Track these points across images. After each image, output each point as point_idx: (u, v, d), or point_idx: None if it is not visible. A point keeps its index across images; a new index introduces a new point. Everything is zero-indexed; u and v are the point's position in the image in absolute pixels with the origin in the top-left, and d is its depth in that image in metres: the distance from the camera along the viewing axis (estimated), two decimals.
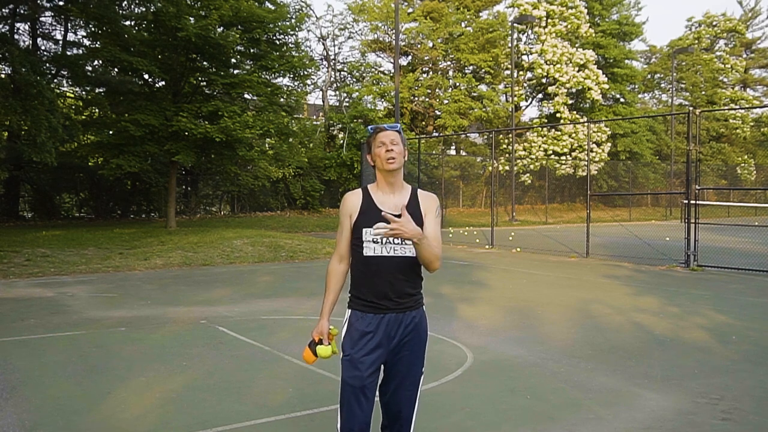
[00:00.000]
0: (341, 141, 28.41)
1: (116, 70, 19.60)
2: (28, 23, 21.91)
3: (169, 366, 5.38)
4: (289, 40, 20.39)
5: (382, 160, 2.75)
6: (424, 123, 34.11)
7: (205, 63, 18.85)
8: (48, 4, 20.47)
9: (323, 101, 31.92)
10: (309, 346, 2.83)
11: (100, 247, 14.03)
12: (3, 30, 19.11)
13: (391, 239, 2.71)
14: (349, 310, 2.81)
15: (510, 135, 29.85)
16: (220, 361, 5.57)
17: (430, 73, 34.21)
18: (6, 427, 4.00)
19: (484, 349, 5.98)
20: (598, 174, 33.98)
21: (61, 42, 22.79)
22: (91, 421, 4.13)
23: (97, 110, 21.44)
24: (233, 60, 19.38)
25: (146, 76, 19.00)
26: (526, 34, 35.38)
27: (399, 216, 2.58)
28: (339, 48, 45.96)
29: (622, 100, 37.33)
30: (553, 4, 33.16)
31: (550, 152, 32.20)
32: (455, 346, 6.08)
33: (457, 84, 32.97)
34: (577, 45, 34.07)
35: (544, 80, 33.61)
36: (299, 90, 22.38)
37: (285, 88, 20.91)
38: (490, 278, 10.98)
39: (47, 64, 19.77)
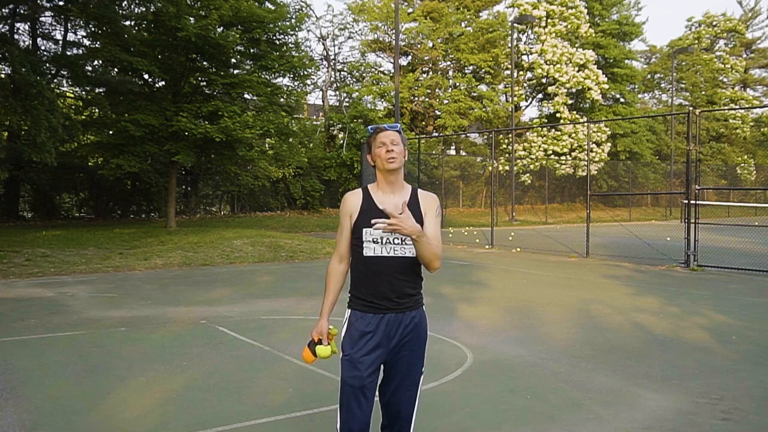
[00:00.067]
0: (341, 141, 28.41)
1: (116, 70, 19.60)
2: (28, 23, 21.92)
3: (169, 366, 5.39)
4: (289, 40, 20.40)
5: (382, 160, 2.75)
6: (424, 123, 34.11)
7: (205, 63, 18.85)
8: (48, 4, 20.47)
9: (323, 101, 31.93)
10: (308, 346, 2.83)
11: (100, 247, 14.04)
12: (3, 30, 19.11)
13: (390, 239, 2.71)
14: (349, 310, 2.81)
15: (510, 135, 29.85)
16: (220, 361, 5.57)
17: (430, 73, 34.21)
18: (6, 427, 4.00)
19: (484, 349, 5.98)
20: (598, 174, 33.98)
21: (61, 42, 22.80)
22: (91, 421, 4.14)
23: (97, 110, 21.45)
24: (233, 60, 19.38)
25: (146, 76, 19.00)
26: (526, 34, 35.39)
27: (400, 212, 2.58)
28: (339, 48, 46.03)
29: (622, 100, 37.33)
30: (553, 4, 33.16)
31: (550, 152, 32.21)
32: (455, 346, 6.08)
33: (457, 84, 32.97)
34: (577, 45, 34.07)
35: (544, 80, 33.61)
36: (299, 90, 22.38)
37: (285, 88, 20.92)
38: (490, 278, 10.98)
39: (47, 64, 19.77)
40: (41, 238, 15.17)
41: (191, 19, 17.06)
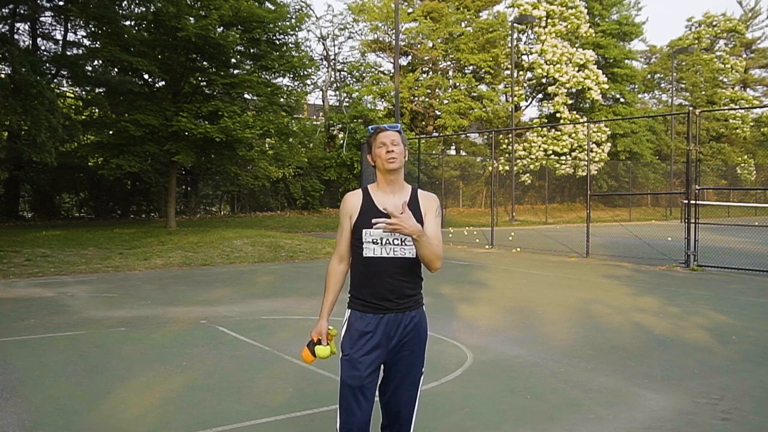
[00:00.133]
0: (341, 141, 28.41)
1: (116, 70, 19.60)
2: (28, 23, 21.92)
3: (169, 366, 5.39)
4: (289, 40, 20.40)
5: (382, 161, 2.75)
6: (424, 123, 34.11)
7: (205, 63, 18.85)
8: (48, 4, 20.47)
9: (323, 101, 31.93)
10: (307, 346, 2.84)
11: (100, 247, 14.04)
12: (3, 30, 19.11)
13: (390, 240, 2.71)
14: (349, 310, 2.81)
15: (510, 135, 29.85)
16: (220, 361, 5.57)
17: (430, 73, 34.21)
18: (6, 427, 4.00)
19: (484, 349, 5.98)
20: (598, 174, 33.98)
21: (61, 42, 22.80)
22: (91, 421, 4.14)
23: (97, 110, 21.45)
24: (233, 60, 19.38)
25: (146, 76, 19.00)
26: (526, 34, 35.39)
27: (400, 212, 2.58)
28: (339, 48, 46.00)
29: (622, 100, 37.33)
30: (553, 4, 33.16)
31: (550, 152, 32.21)
32: (455, 346, 6.08)
33: (457, 84, 32.97)
34: (577, 45, 34.07)
35: (544, 80, 33.61)
36: (299, 90, 22.38)
37: (285, 88, 20.92)
38: (490, 278, 10.98)
39: (47, 64, 19.77)
40: (41, 238, 15.17)
41: (191, 19, 17.06)
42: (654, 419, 4.20)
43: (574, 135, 32.10)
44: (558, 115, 32.25)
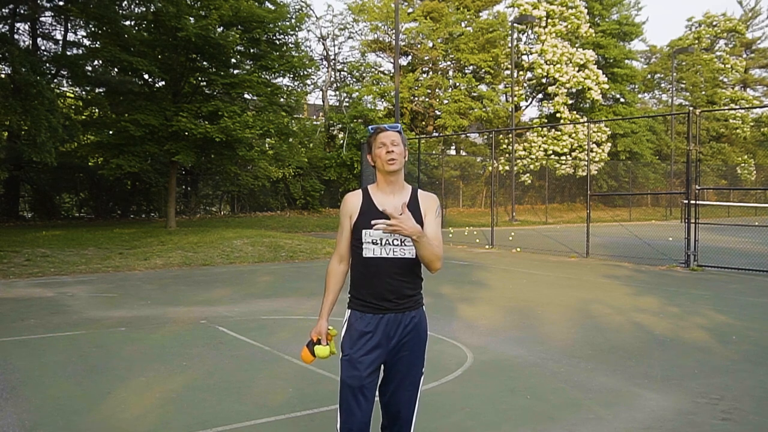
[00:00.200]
0: (341, 141, 28.41)
1: (116, 70, 19.61)
2: (28, 23, 21.92)
3: (169, 366, 5.39)
4: (289, 40, 20.40)
5: (382, 161, 2.75)
6: (424, 123, 34.11)
7: (205, 63, 18.85)
8: (48, 4, 20.47)
9: (323, 101, 31.93)
10: (307, 346, 2.84)
11: (100, 247, 14.04)
12: (3, 30, 19.11)
13: (390, 241, 2.71)
14: (349, 310, 2.81)
15: (510, 135, 29.85)
16: (220, 361, 5.57)
17: (430, 73, 34.21)
18: (6, 427, 4.00)
19: (484, 349, 5.98)
20: (598, 174, 33.98)
21: (61, 42, 22.80)
22: (91, 421, 4.14)
23: (97, 110, 21.45)
24: (233, 60, 19.38)
25: (146, 76, 19.00)
26: (526, 34, 35.38)
27: (399, 213, 2.58)
28: (339, 48, 46.02)
29: (622, 100, 37.33)
30: (553, 4, 33.16)
31: (550, 152, 32.21)
32: (455, 346, 6.08)
33: (457, 84, 32.97)
34: (577, 45, 34.06)
35: (544, 80, 33.61)
36: (299, 90, 22.38)
37: (285, 88, 20.92)
38: (490, 278, 10.98)
39: (47, 64, 19.77)
40: (41, 238, 15.17)
41: (191, 19, 17.06)
42: (654, 419, 4.20)
43: (574, 135, 32.10)
44: (558, 115, 32.25)
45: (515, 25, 30.69)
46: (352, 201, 2.80)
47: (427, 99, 33.16)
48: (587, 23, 34.25)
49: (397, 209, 2.63)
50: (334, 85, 32.72)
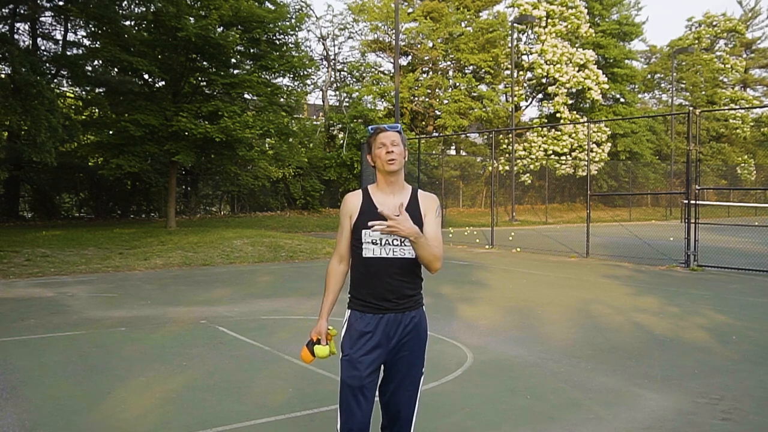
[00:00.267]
0: (341, 141, 28.41)
1: (116, 70, 19.60)
2: (28, 23, 21.92)
3: (169, 366, 5.39)
4: (289, 40, 20.39)
5: (382, 161, 2.75)
6: (424, 123, 34.11)
7: (205, 63, 18.85)
8: (48, 4, 20.47)
9: (323, 101, 31.93)
10: (307, 346, 2.84)
11: (100, 247, 14.04)
12: (3, 30, 19.11)
13: (390, 240, 2.71)
14: (349, 311, 2.81)
15: (510, 135, 29.85)
16: (220, 361, 5.57)
17: (430, 73, 34.21)
18: (6, 427, 4.00)
19: (484, 349, 5.98)
20: (598, 174, 33.98)
21: (61, 42, 22.80)
22: (91, 421, 4.14)
23: (97, 110, 21.45)
24: (233, 60, 19.38)
25: (146, 76, 19.00)
26: (526, 34, 35.38)
27: (397, 214, 2.58)
28: (339, 48, 46.03)
29: (622, 100, 37.33)
30: (553, 4, 33.16)
31: (550, 152, 32.21)
32: (455, 346, 6.08)
33: (457, 84, 32.97)
34: (577, 45, 34.06)
35: (544, 80, 33.60)
36: (299, 90, 22.38)
37: (285, 88, 20.92)
38: (490, 278, 10.98)
39: (47, 64, 19.77)
40: (41, 238, 15.17)
41: (191, 19, 17.06)
42: (654, 419, 4.20)
43: (574, 135, 32.10)
44: (558, 115, 32.25)
45: (515, 25, 30.69)
46: (352, 201, 2.80)
47: (427, 99, 33.16)
48: (587, 23, 34.25)
49: (395, 209, 2.63)
50: (334, 85, 32.72)
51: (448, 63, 34.51)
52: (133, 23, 19.22)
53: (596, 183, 33.68)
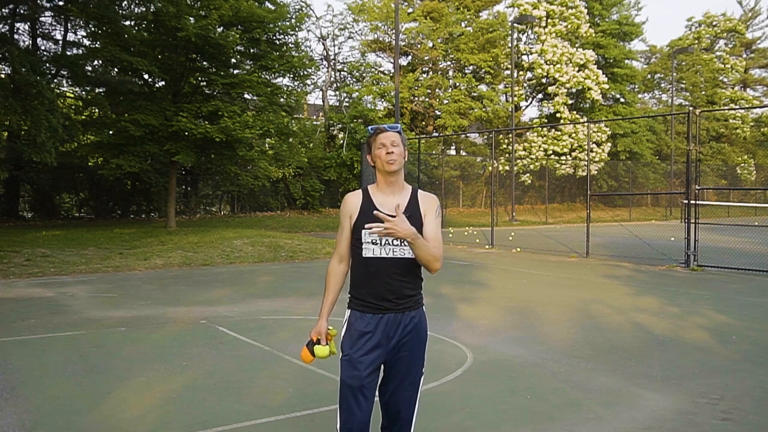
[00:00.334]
0: (341, 141, 28.41)
1: (116, 70, 19.60)
2: (28, 23, 21.92)
3: (169, 366, 5.39)
4: (289, 40, 20.39)
5: (382, 162, 2.75)
6: (424, 123, 34.11)
7: (205, 63, 18.85)
8: (48, 4, 20.47)
9: (323, 101, 31.93)
10: (307, 346, 2.84)
11: (100, 247, 14.04)
12: (3, 30, 19.11)
13: (390, 240, 2.71)
14: (349, 310, 2.81)
15: (510, 135, 29.85)
16: (220, 361, 5.57)
17: (430, 73, 34.21)
18: (6, 427, 4.00)
19: (484, 349, 5.98)
20: (598, 174, 33.98)
21: (61, 42, 22.80)
22: (91, 421, 4.14)
23: (97, 110, 21.45)
24: (233, 60, 19.38)
25: (146, 76, 19.00)
26: (526, 34, 35.38)
27: (394, 216, 2.58)
28: (339, 48, 46.02)
29: (622, 100, 37.33)
30: (553, 4, 33.16)
31: (550, 152, 32.21)
32: (455, 346, 6.08)
33: (457, 84, 32.97)
34: (577, 45, 34.06)
35: (544, 80, 33.60)
36: (299, 90, 22.38)
37: (285, 88, 20.92)
38: (490, 278, 10.98)
39: (47, 64, 19.77)
40: (41, 238, 15.17)
41: (191, 19, 17.06)
42: (654, 419, 4.20)
43: (574, 135, 32.10)
44: (558, 115, 32.25)
45: (515, 25, 30.69)
46: (352, 201, 2.80)
47: (427, 99, 33.16)
48: (587, 23, 34.25)
49: (391, 210, 2.63)
50: (334, 85, 32.72)
51: (448, 63, 34.51)
52: (133, 23, 19.22)
53: (596, 183, 33.68)
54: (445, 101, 32.74)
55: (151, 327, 6.95)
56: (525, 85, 35.19)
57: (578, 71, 32.42)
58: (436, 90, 33.32)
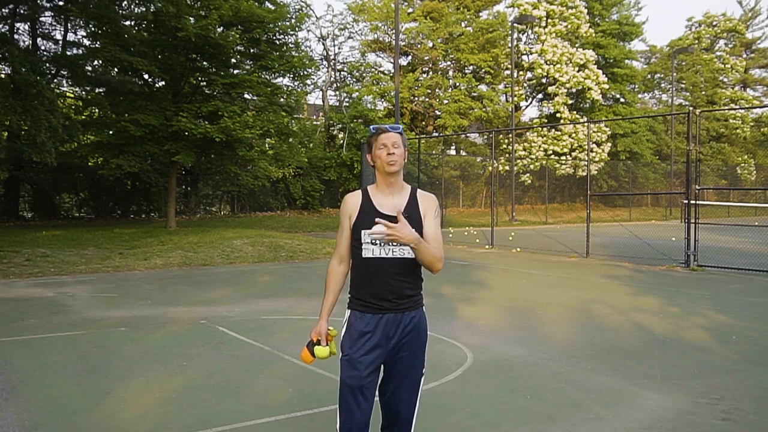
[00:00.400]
0: (341, 141, 28.41)
1: (116, 70, 19.60)
2: (28, 23, 21.92)
3: (169, 366, 5.39)
4: (289, 40, 20.40)
5: (383, 162, 2.74)
6: (424, 123, 34.11)
7: (205, 63, 18.85)
8: (48, 4, 20.47)
9: (323, 101, 31.93)
10: (307, 347, 2.84)
11: (100, 247, 14.04)
12: (3, 30, 19.11)
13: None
14: (349, 311, 2.81)
15: (510, 135, 29.85)
16: (220, 361, 5.57)
17: (430, 73, 34.21)
18: (6, 427, 4.00)
19: (484, 349, 5.98)
20: (598, 174, 33.98)
21: (61, 42, 22.80)
22: (91, 421, 4.14)
23: (97, 110, 21.45)
24: (233, 60, 19.38)
25: (146, 76, 19.00)
26: (526, 34, 35.38)
27: (396, 220, 2.57)
28: (339, 48, 46.03)
29: (622, 100, 37.33)
30: (553, 4, 33.16)
31: (550, 152, 32.21)
32: (455, 346, 6.08)
33: (457, 84, 32.97)
34: (577, 45, 34.06)
35: (544, 80, 33.61)
36: (299, 90, 22.38)
37: (285, 88, 20.92)
38: (490, 278, 10.98)
39: (47, 64, 19.77)
40: (41, 238, 15.17)
41: (191, 19, 17.06)
42: (654, 419, 4.20)
43: (574, 135, 32.10)
44: (558, 115, 32.25)
45: (515, 25, 30.69)
46: (352, 201, 2.80)
47: (427, 99, 33.16)
48: (587, 23, 34.25)
49: (394, 210, 2.63)
50: (334, 85, 32.72)
51: (448, 63, 34.51)
52: (133, 23, 19.22)
53: (596, 183, 33.68)
54: (445, 101, 32.74)
55: (151, 327, 6.95)
56: (525, 85, 35.19)
57: (578, 71, 32.42)
58: (436, 90, 33.32)
